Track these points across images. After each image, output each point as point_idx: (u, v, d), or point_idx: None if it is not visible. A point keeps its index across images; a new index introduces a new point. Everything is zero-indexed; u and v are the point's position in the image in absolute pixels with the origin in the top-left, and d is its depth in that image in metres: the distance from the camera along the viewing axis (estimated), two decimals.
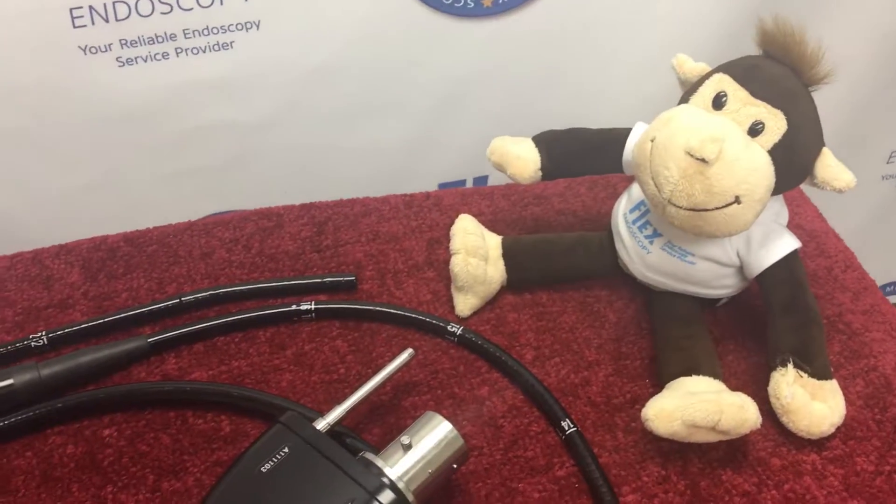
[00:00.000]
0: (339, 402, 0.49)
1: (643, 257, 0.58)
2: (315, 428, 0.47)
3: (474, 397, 0.56)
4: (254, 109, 0.95)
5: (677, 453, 0.53)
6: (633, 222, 0.58)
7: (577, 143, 0.61)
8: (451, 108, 1.06)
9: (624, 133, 0.59)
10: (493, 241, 0.63)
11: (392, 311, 0.60)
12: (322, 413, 0.49)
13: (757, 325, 0.59)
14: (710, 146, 0.48)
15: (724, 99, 0.52)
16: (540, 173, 0.61)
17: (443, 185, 1.19)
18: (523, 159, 0.61)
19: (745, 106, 0.51)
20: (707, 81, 0.53)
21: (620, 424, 0.55)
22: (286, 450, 0.46)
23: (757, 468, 0.53)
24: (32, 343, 0.57)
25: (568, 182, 0.75)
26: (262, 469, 0.45)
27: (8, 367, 0.56)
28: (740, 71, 0.52)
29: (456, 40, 0.94)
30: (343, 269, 0.65)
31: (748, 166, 0.49)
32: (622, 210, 0.60)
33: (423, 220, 0.71)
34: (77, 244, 0.67)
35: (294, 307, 0.60)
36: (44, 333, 0.58)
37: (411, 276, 0.65)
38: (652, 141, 0.51)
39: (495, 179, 1.24)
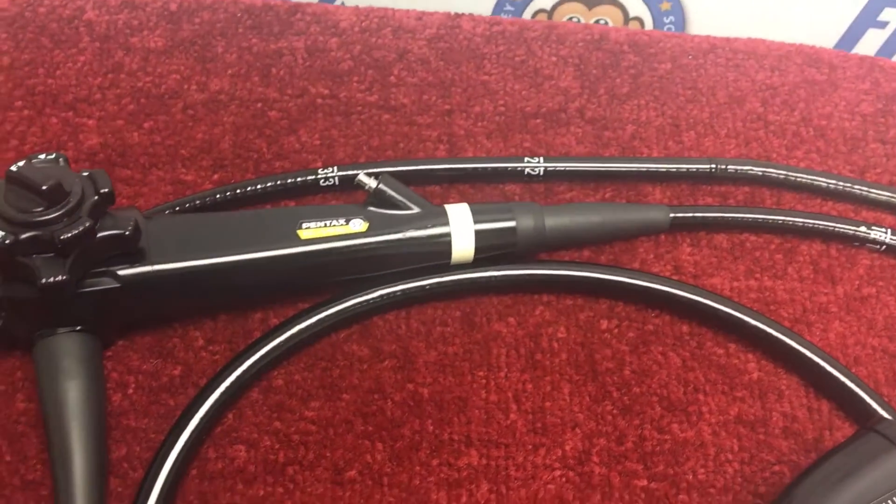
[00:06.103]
0: None
1: None
2: None
3: None
4: None
5: None
6: None
7: None
8: None
9: None
10: None
11: None
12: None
13: None
14: None
15: None
16: None
17: None
18: None
19: None
20: None
21: None
22: None
23: None
24: (527, 169, 0.45)
25: None
26: None
27: (503, 184, 0.45)
28: None
29: None
30: None
31: None
32: None
33: None
34: (569, 31, 0.51)
35: (863, 229, 0.44)
36: (541, 161, 0.45)
37: None
38: None
39: None
